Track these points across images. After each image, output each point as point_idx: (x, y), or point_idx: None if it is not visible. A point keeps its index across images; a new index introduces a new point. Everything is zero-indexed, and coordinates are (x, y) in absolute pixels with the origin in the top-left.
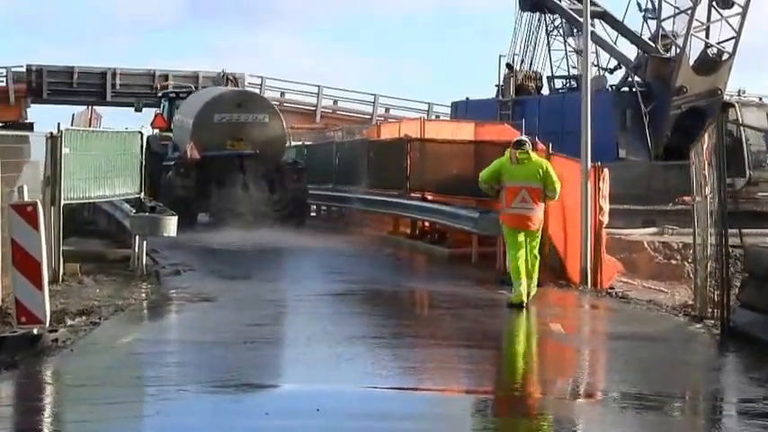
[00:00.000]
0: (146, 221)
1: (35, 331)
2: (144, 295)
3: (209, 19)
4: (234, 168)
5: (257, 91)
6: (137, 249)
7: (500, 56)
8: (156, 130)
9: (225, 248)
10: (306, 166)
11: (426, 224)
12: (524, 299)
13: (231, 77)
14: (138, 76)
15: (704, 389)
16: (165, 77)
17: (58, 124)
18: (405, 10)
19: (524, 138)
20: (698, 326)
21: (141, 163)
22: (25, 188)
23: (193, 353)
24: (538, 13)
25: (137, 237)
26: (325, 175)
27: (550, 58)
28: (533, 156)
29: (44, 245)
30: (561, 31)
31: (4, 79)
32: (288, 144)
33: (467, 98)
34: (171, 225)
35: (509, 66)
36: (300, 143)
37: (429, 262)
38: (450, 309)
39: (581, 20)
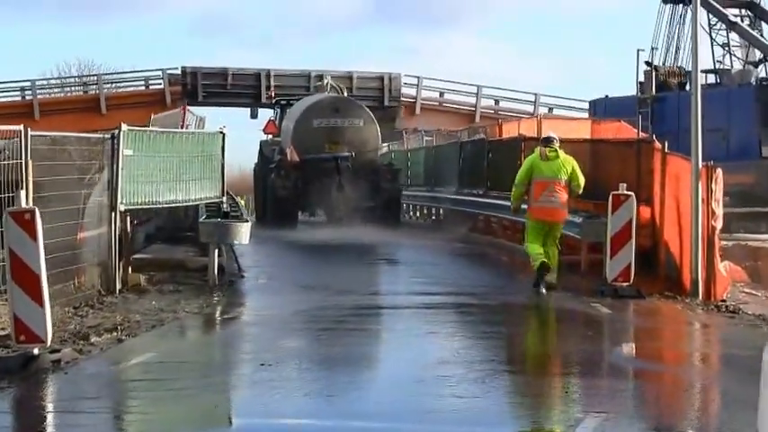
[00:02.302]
0: (214, 228)
1: (35, 351)
2: (198, 309)
3: (390, 20)
4: (331, 170)
5: (413, 91)
6: (213, 257)
7: (638, 50)
8: (270, 136)
9: (315, 249)
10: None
11: None
12: (546, 259)
13: (335, 85)
14: (292, 77)
15: None
16: (320, 77)
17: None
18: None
19: (553, 135)
20: None
21: (222, 165)
22: (23, 193)
23: (197, 385)
24: (681, 6)
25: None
26: (449, 178)
27: (713, 52)
28: (561, 153)
29: (42, 256)
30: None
31: (161, 81)
32: (380, 147)
33: (606, 96)
34: (242, 232)
35: (648, 63)
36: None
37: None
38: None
39: (724, 11)
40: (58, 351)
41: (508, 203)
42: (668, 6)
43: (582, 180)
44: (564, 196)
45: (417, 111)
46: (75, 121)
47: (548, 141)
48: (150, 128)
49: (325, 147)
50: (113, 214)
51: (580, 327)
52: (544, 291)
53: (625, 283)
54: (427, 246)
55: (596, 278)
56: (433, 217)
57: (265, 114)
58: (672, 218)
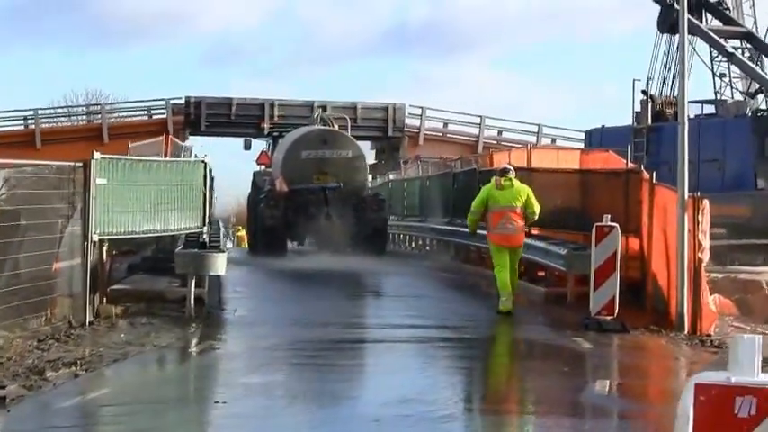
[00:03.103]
0: (191, 259)
1: None
2: (167, 342)
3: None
4: (319, 200)
5: (417, 122)
6: (191, 288)
7: (634, 80)
8: (263, 167)
9: (300, 278)
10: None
11: None
12: (510, 307)
13: (326, 118)
14: (296, 107)
15: None
16: (324, 108)
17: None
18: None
19: (509, 166)
20: None
21: (204, 195)
22: None
23: (144, 426)
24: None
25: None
26: (442, 208)
27: (715, 84)
28: (516, 182)
29: None
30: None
31: (165, 111)
32: (368, 178)
33: (602, 125)
34: (218, 263)
35: (644, 92)
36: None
37: (519, 302)
38: (503, 360)
39: (722, 42)
40: (4, 388)
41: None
42: (665, 36)
43: (537, 207)
44: (520, 223)
45: (421, 141)
46: (77, 150)
47: (504, 172)
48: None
49: (314, 177)
50: (86, 244)
51: (558, 362)
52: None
53: (609, 317)
54: (412, 275)
55: (582, 311)
56: (427, 248)
57: (260, 146)
58: (660, 249)
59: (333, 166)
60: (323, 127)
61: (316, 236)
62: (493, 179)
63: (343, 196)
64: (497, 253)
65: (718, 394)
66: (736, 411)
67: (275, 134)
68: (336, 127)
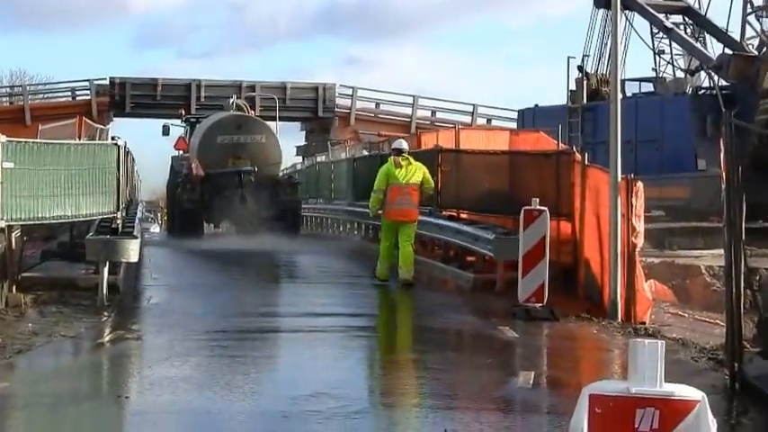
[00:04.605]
0: (101, 245)
1: None
2: (75, 332)
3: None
4: (234, 183)
5: (348, 102)
6: (103, 276)
7: (569, 57)
8: (181, 152)
9: (216, 261)
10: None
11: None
12: (387, 276)
13: (241, 104)
14: (223, 87)
15: None
16: (252, 88)
17: None
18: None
19: (404, 145)
20: (715, 375)
21: (118, 179)
22: None
23: (41, 421)
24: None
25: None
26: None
27: (656, 61)
28: (412, 160)
29: None
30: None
31: (89, 92)
32: (282, 161)
33: (535, 105)
34: (130, 249)
35: (580, 68)
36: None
37: (446, 289)
38: (421, 351)
39: (659, 17)
40: None
41: (423, 218)
42: (601, 11)
43: (432, 182)
44: (416, 198)
45: (352, 121)
46: None
47: (399, 151)
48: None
49: (229, 161)
50: None
51: (481, 353)
52: (389, 284)
53: (538, 304)
54: (326, 257)
55: (512, 299)
56: (356, 231)
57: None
58: (592, 234)
59: (247, 151)
60: (238, 113)
61: (232, 218)
62: (390, 158)
63: (258, 179)
64: (387, 229)
65: (617, 406)
66: (636, 425)
67: (192, 120)
68: (252, 113)
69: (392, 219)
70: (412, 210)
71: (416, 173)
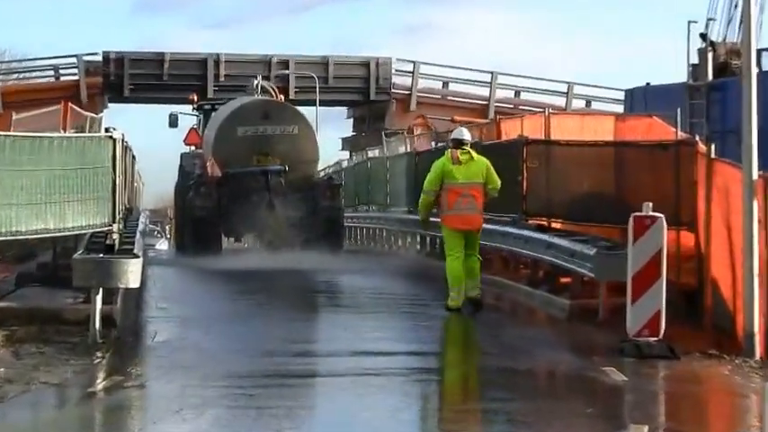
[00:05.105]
0: (92, 267)
1: None
2: (60, 379)
3: None
4: (259, 186)
5: (408, 80)
6: (95, 306)
7: (689, 22)
8: (193, 147)
9: (237, 285)
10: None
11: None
12: (460, 303)
13: (268, 86)
14: (248, 63)
15: None
16: (285, 65)
17: None
18: None
19: (465, 135)
20: None
21: (114, 182)
22: None
23: None
24: None
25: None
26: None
27: None
28: (474, 154)
29: None
30: None
31: (76, 71)
32: (319, 158)
33: (647, 83)
34: (130, 272)
35: (703, 36)
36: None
37: (534, 319)
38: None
39: None
40: None
41: (503, 228)
42: None
43: (498, 182)
44: (480, 201)
45: (413, 106)
46: None
47: (459, 143)
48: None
49: (253, 159)
50: None
51: (579, 401)
52: (467, 312)
53: (652, 338)
54: (378, 278)
55: (617, 331)
56: (418, 246)
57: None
58: (722, 247)
59: (276, 145)
60: (264, 97)
61: (257, 230)
62: (447, 152)
63: (289, 181)
64: (452, 239)
65: None
66: None
67: (207, 107)
68: (282, 97)
69: (452, 227)
70: (475, 216)
71: (479, 170)
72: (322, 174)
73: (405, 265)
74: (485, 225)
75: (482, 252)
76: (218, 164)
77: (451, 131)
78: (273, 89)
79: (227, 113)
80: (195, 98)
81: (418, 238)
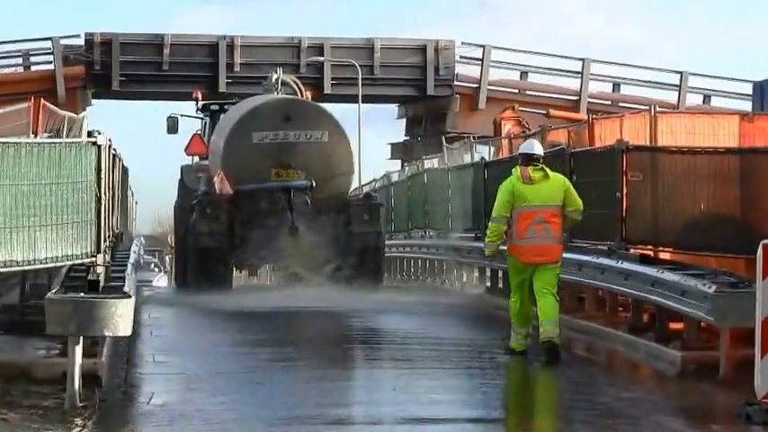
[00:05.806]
0: (71, 309)
1: None
2: None
3: None
4: (279, 207)
5: (476, 71)
6: (74, 359)
7: None
8: (197, 158)
9: (254, 331)
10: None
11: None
12: (526, 346)
13: (290, 81)
14: (271, 48)
15: None
16: (319, 49)
17: None
18: None
19: (537, 150)
20: None
21: (99, 200)
22: None
23: None
24: None
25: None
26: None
27: None
28: (550, 171)
29: None
30: None
31: (51, 58)
32: (354, 171)
33: None
34: (118, 315)
35: None
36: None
37: (637, 375)
38: None
39: None
40: None
41: (597, 260)
42: None
43: (580, 203)
44: (557, 228)
45: (482, 103)
46: None
47: (530, 158)
48: None
49: (272, 172)
50: None
51: None
52: (540, 362)
53: None
54: (428, 322)
55: (743, 391)
56: (487, 283)
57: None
58: None
59: (300, 156)
60: (285, 95)
61: (276, 261)
62: (516, 170)
63: (316, 200)
64: (518, 274)
65: None
66: None
67: (214, 107)
68: (308, 95)
69: (522, 261)
70: (552, 246)
71: (555, 190)
72: (358, 191)
73: (466, 305)
74: (570, 255)
75: (570, 290)
76: (227, 179)
77: (546, 131)
78: (297, 84)
79: (239, 116)
80: (200, 95)
81: (488, 272)
